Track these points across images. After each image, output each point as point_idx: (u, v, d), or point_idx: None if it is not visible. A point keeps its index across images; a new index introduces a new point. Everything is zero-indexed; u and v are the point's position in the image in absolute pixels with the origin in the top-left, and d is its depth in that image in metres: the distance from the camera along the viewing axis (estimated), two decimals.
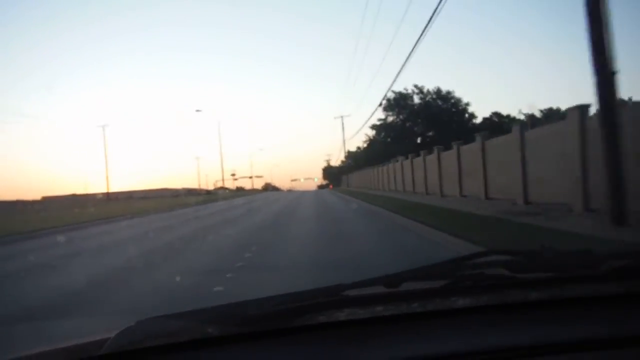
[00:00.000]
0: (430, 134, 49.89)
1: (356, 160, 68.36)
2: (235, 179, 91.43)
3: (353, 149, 79.32)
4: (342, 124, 72.07)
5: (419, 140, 49.79)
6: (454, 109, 51.06)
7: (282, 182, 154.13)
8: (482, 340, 0.98)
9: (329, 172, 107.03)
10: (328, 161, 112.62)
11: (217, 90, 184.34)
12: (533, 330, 1.00)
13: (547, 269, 1.15)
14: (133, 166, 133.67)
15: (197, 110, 62.29)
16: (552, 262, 1.17)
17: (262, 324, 1.01)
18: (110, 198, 61.19)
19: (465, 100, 51.71)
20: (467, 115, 51.44)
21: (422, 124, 50.90)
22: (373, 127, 55.22)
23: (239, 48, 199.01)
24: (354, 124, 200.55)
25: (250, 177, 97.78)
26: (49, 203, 52.72)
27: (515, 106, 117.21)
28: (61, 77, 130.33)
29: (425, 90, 52.09)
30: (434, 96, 51.91)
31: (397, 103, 52.11)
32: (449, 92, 51.88)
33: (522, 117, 46.96)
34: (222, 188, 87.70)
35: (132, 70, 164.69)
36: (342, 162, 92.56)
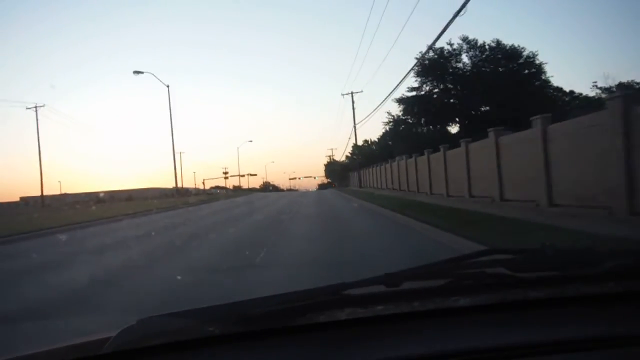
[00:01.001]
0: (486, 108, 32.94)
1: (367, 156, 55.00)
2: (226, 177, 79.81)
3: (359, 144, 63.60)
4: (352, 101, 48.37)
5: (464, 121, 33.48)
6: (522, 72, 31.97)
7: (279, 180, 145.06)
8: (482, 339, 1.01)
9: (332, 170, 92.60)
10: (330, 157, 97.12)
11: (205, 80, 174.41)
12: (533, 329, 1.02)
13: (548, 268, 1.16)
14: (112, 166, 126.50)
15: (136, 72, 31.72)
16: (552, 261, 1.18)
17: (263, 323, 1.04)
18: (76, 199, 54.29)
19: (533, 59, 31.82)
20: (538, 82, 32.17)
21: (475, 93, 31.42)
22: (399, 100, 35.21)
23: (225, 28, 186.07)
24: (364, 108, 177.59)
25: (243, 176, 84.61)
26: (24, 204, 47.91)
27: (577, 79, 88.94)
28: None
29: (479, 44, 33.07)
30: (491, 54, 32.94)
31: (438, 65, 33.12)
32: (514, 48, 32.28)
33: (595, 93, 30.23)
34: (217, 187, 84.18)
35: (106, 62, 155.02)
36: (348, 157, 76.59)
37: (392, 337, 1.03)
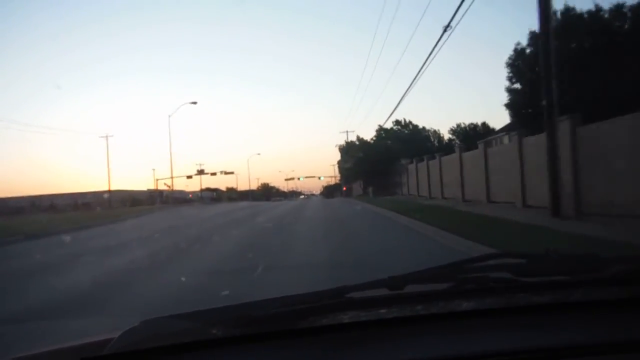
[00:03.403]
0: None
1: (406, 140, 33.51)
2: (190, 177, 60.26)
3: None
4: None
5: None
6: None
7: (274, 181, 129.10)
8: (485, 343, 1.03)
9: (351, 161, 51.71)
10: (344, 144, 57.85)
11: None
12: (537, 333, 1.04)
13: (552, 273, 1.19)
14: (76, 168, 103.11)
15: None
16: (556, 266, 1.21)
17: (266, 325, 1.06)
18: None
19: None
20: None
21: None
22: None
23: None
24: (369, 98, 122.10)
25: (214, 174, 62.85)
26: None
27: None
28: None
29: None
30: None
31: None
32: None
33: None
34: (207, 190, 73.84)
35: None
36: (374, 140, 45.93)
37: (395, 341, 1.04)
